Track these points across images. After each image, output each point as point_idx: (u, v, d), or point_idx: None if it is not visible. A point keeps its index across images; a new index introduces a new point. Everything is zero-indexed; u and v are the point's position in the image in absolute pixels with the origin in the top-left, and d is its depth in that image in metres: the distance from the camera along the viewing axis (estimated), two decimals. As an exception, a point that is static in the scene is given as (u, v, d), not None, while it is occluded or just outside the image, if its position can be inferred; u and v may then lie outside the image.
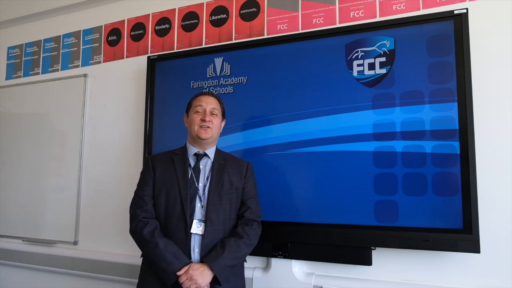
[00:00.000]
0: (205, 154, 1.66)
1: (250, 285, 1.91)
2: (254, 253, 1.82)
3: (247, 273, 1.91)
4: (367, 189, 1.76)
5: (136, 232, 1.56)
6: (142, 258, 1.63)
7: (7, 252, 2.66)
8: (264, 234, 1.75)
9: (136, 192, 1.65)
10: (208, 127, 1.62)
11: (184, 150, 1.68)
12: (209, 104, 1.65)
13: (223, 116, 1.73)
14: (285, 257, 1.88)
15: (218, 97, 1.73)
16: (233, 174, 1.65)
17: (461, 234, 1.58)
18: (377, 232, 1.71)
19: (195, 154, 1.66)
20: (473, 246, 1.56)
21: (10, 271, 2.67)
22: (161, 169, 1.63)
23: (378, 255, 1.76)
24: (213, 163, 1.66)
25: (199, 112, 1.64)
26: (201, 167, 1.64)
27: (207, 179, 1.62)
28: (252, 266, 1.97)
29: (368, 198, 1.75)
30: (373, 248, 1.75)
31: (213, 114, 1.65)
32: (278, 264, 1.92)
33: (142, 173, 1.68)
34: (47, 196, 2.63)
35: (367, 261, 1.75)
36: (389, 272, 1.75)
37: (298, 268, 1.90)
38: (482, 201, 1.59)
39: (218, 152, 1.71)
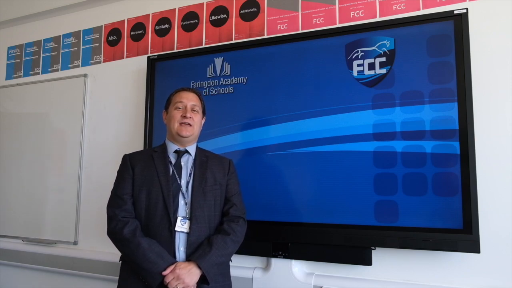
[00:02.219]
0: (186, 151, 1.62)
1: (250, 285, 1.91)
2: (254, 253, 1.83)
3: (247, 273, 1.91)
4: (367, 189, 1.76)
5: (115, 232, 1.50)
6: (121, 261, 1.57)
7: (7, 252, 2.66)
8: (264, 234, 1.75)
9: (113, 191, 1.59)
10: (189, 124, 1.58)
11: (163, 147, 1.64)
12: (189, 100, 1.61)
13: (204, 112, 1.70)
14: (285, 257, 1.88)
15: (199, 93, 1.69)
16: (216, 171, 1.62)
17: (461, 234, 1.58)
18: (377, 232, 1.71)
19: (176, 151, 1.62)
20: (473, 246, 1.56)
21: (10, 271, 2.67)
22: (140, 167, 1.58)
23: (378, 255, 1.76)
24: (194, 159, 1.62)
25: (179, 108, 1.60)
26: (182, 163, 1.60)
27: (189, 176, 1.58)
28: (252, 266, 1.97)
29: (368, 198, 1.75)
30: (373, 248, 1.75)
31: (194, 110, 1.61)
32: (278, 264, 1.92)
33: (119, 172, 1.62)
34: (47, 196, 2.63)
35: (367, 261, 1.75)
36: (389, 272, 1.75)
37: (298, 268, 1.90)
38: (482, 201, 1.59)
39: (198, 149, 1.68)
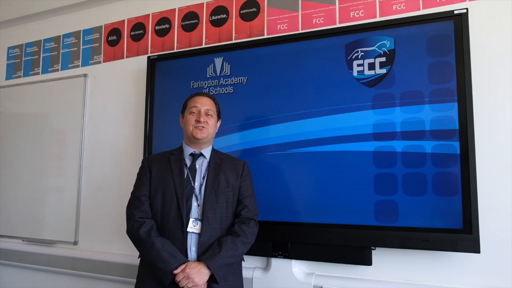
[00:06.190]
0: (201, 154, 1.67)
1: (250, 285, 1.91)
2: (254, 253, 1.83)
3: (247, 273, 1.91)
4: (367, 189, 1.76)
5: (132, 232, 1.57)
6: (139, 258, 1.64)
7: (7, 252, 2.66)
8: (264, 234, 1.75)
9: (132, 193, 1.66)
10: (203, 127, 1.62)
11: (180, 150, 1.70)
12: (204, 105, 1.66)
13: (219, 116, 1.74)
14: (285, 257, 1.88)
15: (213, 98, 1.73)
16: (230, 173, 1.66)
17: (461, 234, 1.58)
18: (377, 232, 1.71)
19: (191, 154, 1.66)
20: (473, 246, 1.56)
21: (10, 271, 2.67)
22: (157, 169, 1.64)
23: (378, 255, 1.76)
24: (209, 162, 1.66)
25: (194, 113, 1.65)
26: (197, 166, 1.65)
27: (203, 178, 1.63)
28: (252, 266, 1.97)
29: (368, 198, 1.75)
30: (373, 248, 1.75)
31: (208, 114, 1.66)
32: (278, 264, 1.92)
33: (138, 174, 1.69)
34: (47, 196, 2.63)
35: (367, 261, 1.75)
36: (389, 272, 1.75)
37: (298, 268, 1.90)
38: (482, 201, 1.60)
39: (214, 151, 1.71)
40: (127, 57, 2.57)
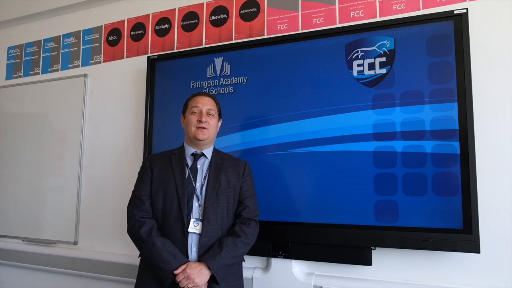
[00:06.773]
0: (203, 154, 1.66)
1: (250, 285, 1.91)
2: (254, 253, 1.83)
3: (247, 273, 1.91)
4: (367, 189, 1.76)
5: (133, 232, 1.57)
6: (140, 258, 1.64)
7: (7, 252, 2.66)
8: (264, 234, 1.75)
9: (133, 192, 1.65)
10: (205, 128, 1.62)
11: (181, 150, 1.69)
12: (205, 104, 1.65)
13: (220, 116, 1.74)
14: (285, 257, 1.88)
15: (214, 97, 1.73)
16: (231, 173, 1.65)
17: (461, 234, 1.58)
18: (377, 232, 1.71)
19: (193, 154, 1.66)
20: (473, 246, 1.56)
21: (10, 271, 2.67)
22: (159, 169, 1.64)
23: (378, 255, 1.76)
24: (210, 162, 1.66)
25: (195, 113, 1.64)
26: (198, 166, 1.64)
27: (204, 179, 1.62)
28: (252, 266, 1.97)
29: (368, 198, 1.75)
30: (373, 248, 1.75)
31: (210, 114, 1.65)
32: (278, 264, 1.92)
33: (139, 173, 1.68)
34: (47, 196, 2.63)
35: (367, 261, 1.75)
36: (389, 272, 1.75)
37: (298, 268, 1.90)
38: (482, 201, 1.60)
39: (215, 151, 1.71)
40: (127, 57, 2.57)
